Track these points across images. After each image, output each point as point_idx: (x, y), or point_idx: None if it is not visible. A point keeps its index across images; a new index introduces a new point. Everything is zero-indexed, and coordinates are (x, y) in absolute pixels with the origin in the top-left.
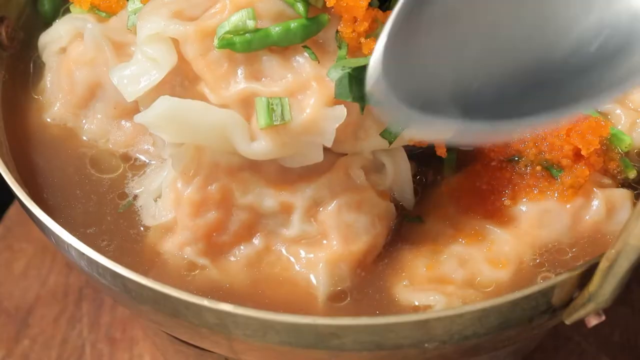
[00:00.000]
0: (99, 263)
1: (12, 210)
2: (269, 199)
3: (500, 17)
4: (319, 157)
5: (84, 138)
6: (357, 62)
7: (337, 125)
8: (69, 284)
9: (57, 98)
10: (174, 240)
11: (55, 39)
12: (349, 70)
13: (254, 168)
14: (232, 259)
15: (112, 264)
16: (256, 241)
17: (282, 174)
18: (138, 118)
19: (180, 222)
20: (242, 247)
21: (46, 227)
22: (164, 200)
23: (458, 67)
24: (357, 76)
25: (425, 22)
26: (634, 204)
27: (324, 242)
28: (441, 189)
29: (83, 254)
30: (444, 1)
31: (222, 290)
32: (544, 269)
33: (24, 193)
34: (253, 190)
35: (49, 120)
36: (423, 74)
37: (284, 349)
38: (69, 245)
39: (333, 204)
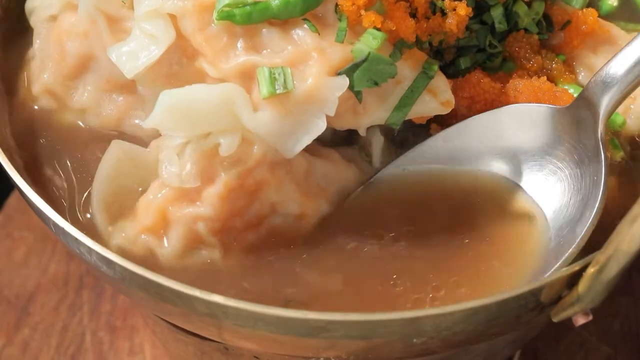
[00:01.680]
0: (93, 250)
1: (13, 198)
2: (294, 204)
3: None
4: (322, 126)
5: (74, 110)
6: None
7: (339, 94)
8: (70, 272)
9: (46, 66)
10: (191, 210)
11: (45, 5)
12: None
13: (289, 167)
14: (237, 243)
15: (106, 252)
16: (261, 230)
17: (307, 179)
18: (147, 124)
19: (208, 197)
20: (248, 235)
21: (44, 214)
22: (192, 166)
23: None
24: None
25: None
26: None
27: None
28: None
29: (77, 239)
30: None
31: (218, 270)
32: None
33: (24, 182)
34: (284, 190)
35: (37, 90)
36: None
37: (274, 337)
38: (64, 232)
39: None
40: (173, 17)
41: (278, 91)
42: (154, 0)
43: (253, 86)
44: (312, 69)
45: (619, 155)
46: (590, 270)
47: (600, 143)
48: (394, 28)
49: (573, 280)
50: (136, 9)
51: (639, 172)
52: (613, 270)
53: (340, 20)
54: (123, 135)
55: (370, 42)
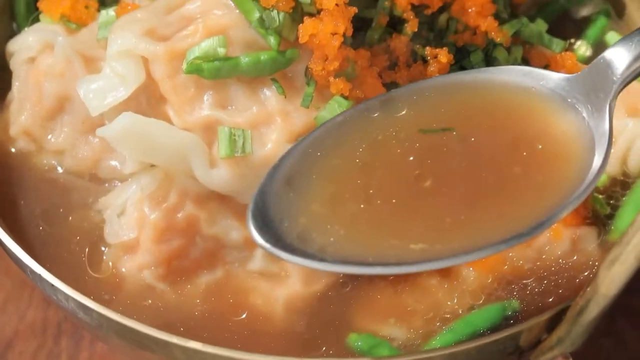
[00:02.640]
0: (70, 296)
1: None
2: (235, 231)
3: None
4: None
5: (51, 152)
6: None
7: None
8: (48, 319)
9: (24, 108)
10: (135, 260)
11: (24, 47)
12: None
13: (222, 199)
14: (191, 285)
15: (83, 298)
16: (217, 270)
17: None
18: (100, 132)
19: (143, 244)
20: (201, 275)
21: (20, 260)
22: (128, 219)
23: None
24: None
25: (285, 184)
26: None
27: (285, 279)
28: None
29: (54, 286)
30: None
31: (179, 316)
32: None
33: None
34: (220, 222)
35: (15, 132)
36: (280, 222)
37: None
38: (41, 278)
39: None
40: (145, 59)
41: (236, 154)
42: (127, 41)
43: (214, 140)
44: (272, 134)
45: (605, 210)
46: (570, 313)
47: (608, 115)
48: (362, 96)
49: (552, 323)
50: (109, 47)
51: None
52: (593, 312)
53: (308, 84)
54: (98, 178)
55: (335, 109)
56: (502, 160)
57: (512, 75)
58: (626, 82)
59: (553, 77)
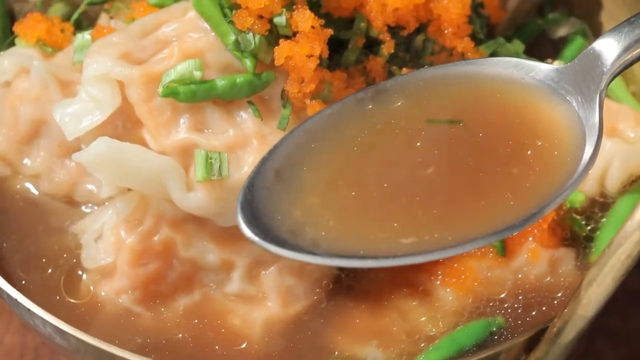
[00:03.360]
0: (47, 321)
1: None
2: (212, 254)
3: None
4: None
5: (27, 176)
6: None
7: None
8: (26, 344)
9: (0, 132)
10: (112, 285)
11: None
12: None
13: (199, 221)
14: (169, 309)
15: (60, 323)
16: (194, 293)
17: (227, 230)
18: (76, 156)
19: (119, 268)
20: (179, 298)
21: None
22: (105, 243)
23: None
24: None
25: (274, 177)
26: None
27: (263, 302)
28: None
29: (31, 311)
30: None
31: (157, 339)
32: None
33: None
34: (196, 244)
35: None
36: (270, 216)
37: None
38: (17, 303)
39: (274, 266)
40: (120, 82)
41: (213, 177)
42: (102, 65)
43: (191, 163)
44: (249, 157)
45: (583, 231)
46: (548, 334)
47: (598, 106)
48: None
49: (531, 344)
50: (84, 71)
51: None
52: (570, 334)
53: (284, 107)
54: (74, 202)
55: None
56: (492, 152)
57: (501, 66)
58: (616, 73)
59: (542, 69)
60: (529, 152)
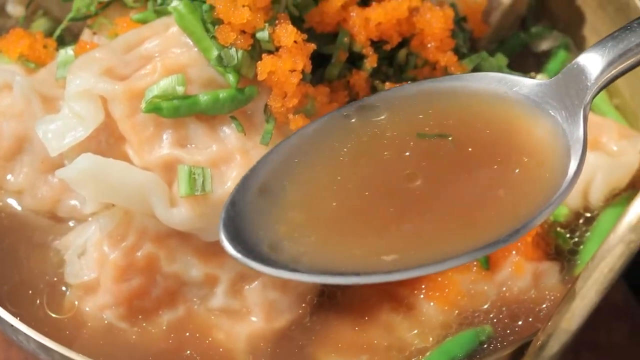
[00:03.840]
0: (31, 337)
1: None
2: (195, 269)
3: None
4: None
5: (10, 192)
6: None
7: None
8: (10, 359)
9: None
10: (95, 301)
11: None
12: None
13: (182, 236)
14: (153, 324)
15: (44, 339)
16: (178, 308)
17: (211, 245)
18: (59, 173)
19: (103, 284)
20: (163, 314)
21: None
22: (88, 259)
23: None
24: None
25: (257, 194)
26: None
27: (247, 316)
28: None
29: (14, 327)
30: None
31: (142, 355)
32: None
33: None
34: (180, 260)
35: None
36: (253, 232)
37: None
38: (1, 319)
39: (258, 281)
40: (103, 98)
41: (196, 192)
42: (85, 81)
43: (174, 178)
44: (232, 172)
45: (567, 245)
46: (532, 348)
47: (583, 121)
48: None
49: (515, 358)
50: (67, 87)
51: None
52: (554, 347)
53: (267, 122)
54: (58, 217)
55: None
56: (477, 167)
57: (486, 82)
58: (600, 88)
59: (527, 83)
60: (513, 168)
